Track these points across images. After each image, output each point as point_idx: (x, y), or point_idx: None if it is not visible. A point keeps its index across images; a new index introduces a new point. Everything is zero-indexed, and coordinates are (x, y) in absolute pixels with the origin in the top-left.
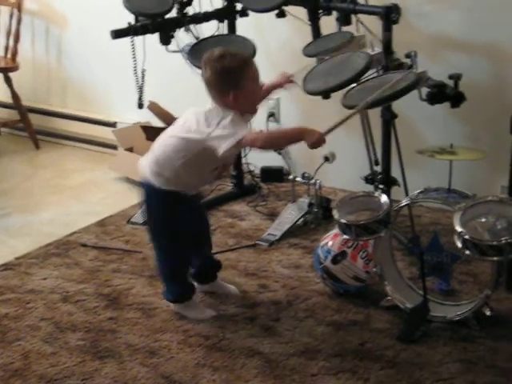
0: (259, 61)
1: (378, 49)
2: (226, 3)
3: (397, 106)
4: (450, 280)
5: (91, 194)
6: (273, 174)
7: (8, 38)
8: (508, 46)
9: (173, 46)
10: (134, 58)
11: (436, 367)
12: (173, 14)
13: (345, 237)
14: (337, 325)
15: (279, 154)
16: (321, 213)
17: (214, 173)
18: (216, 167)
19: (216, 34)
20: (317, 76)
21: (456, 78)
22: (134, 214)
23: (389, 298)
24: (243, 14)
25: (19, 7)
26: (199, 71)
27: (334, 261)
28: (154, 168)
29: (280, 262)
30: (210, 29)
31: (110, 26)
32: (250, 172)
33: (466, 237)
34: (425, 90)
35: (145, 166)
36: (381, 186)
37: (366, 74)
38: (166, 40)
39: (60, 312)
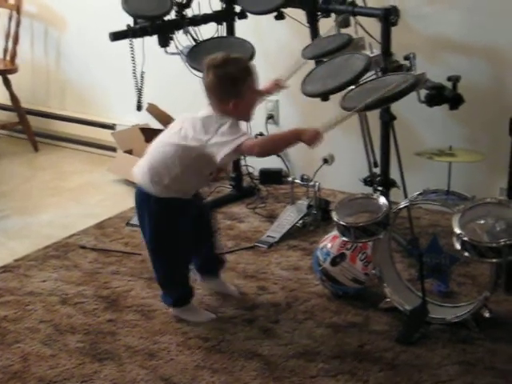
0: (258, 63)
1: (377, 51)
2: (224, 5)
3: (395, 107)
4: (448, 282)
5: (90, 196)
6: (272, 176)
7: (7, 41)
8: (507, 49)
9: (171, 48)
10: (133, 60)
11: (435, 369)
12: (171, 16)
13: (344, 239)
14: (336, 327)
15: (278, 156)
16: (320, 215)
17: (210, 177)
18: (212, 172)
19: (215, 36)
20: (315, 78)
21: (454, 80)
22: (133, 216)
23: (388, 299)
24: (242, 16)
25: (18, 9)
26: (198, 73)
27: (333, 263)
28: (151, 176)
29: (279, 263)
30: (208, 31)
31: (109, 28)
32: (249, 174)
33: (465, 238)
34: (423, 92)
35: (140, 174)
36: (380, 188)
37: (365, 76)
38: (164, 42)
39: (59, 314)
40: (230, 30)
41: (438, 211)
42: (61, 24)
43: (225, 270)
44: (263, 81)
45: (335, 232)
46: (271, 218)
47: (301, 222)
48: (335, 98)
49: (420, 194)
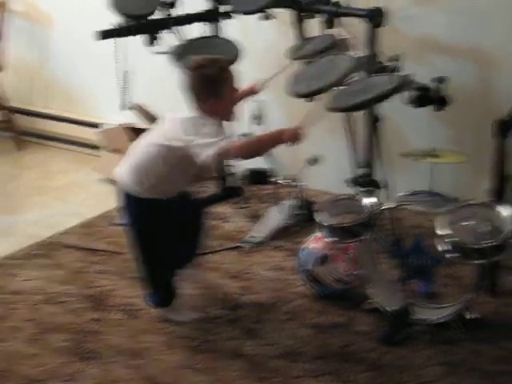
0: (245, 63)
1: (362, 52)
2: (210, 5)
3: (381, 109)
4: (432, 283)
5: (75, 196)
6: (257, 177)
7: None
8: (492, 51)
9: (158, 47)
10: (117, 59)
11: (418, 370)
12: (158, 15)
13: (328, 239)
14: (319, 327)
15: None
16: (304, 215)
17: (194, 177)
18: (195, 172)
19: (201, 35)
20: (300, 79)
21: (440, 81)
22: (118, 216)
23: (371, 300)
24: (227, 16)
25: (4, 8)
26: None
27: (317, 263)
28: (134, 176)
29: (263, 264)
30: (194, 30)
31: (95, 27)
32: (234, 174)
33: (449, 240)
34: (409, 94)
35: (123, 175)
36: (364, 189)
37: (350, 77)
38: (150, 41)
39: (43, 313)
40: (216, 29)
41: (423, 212)
42: (47, 22)
43: (207, 270)
44: (249, 80)
45: (319, 233)
46: (255, 218)
47: (285, 222)
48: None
49: (404, 195)
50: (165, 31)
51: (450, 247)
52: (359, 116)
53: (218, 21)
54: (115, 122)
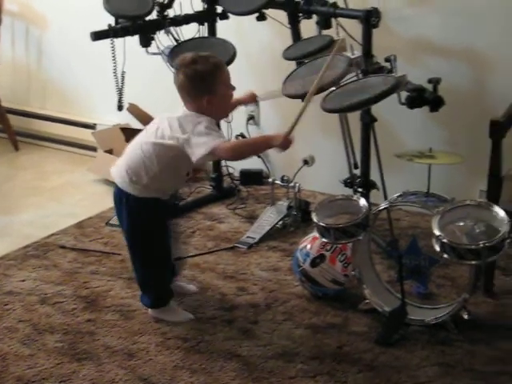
0: (240, 64)
1: (358, 52)
2: (206, 6)
3: (376, 109)
4: (428, 283)
5: (70, 196)
6: (252, 177)
7: None
8: (487, 51)
9: (153, 48)
10: (114, 60)
11: (414, 370)
12: (153, 16)
13: (323, 240)
14: (315, 328)
15: (259, 157)
16: (300, 216)
17: (187, 177)
18: (188, 172)
19: (196, 36)
20: (296, 79)
21: (435, 82)
22: (113, 216)
23: (367, 301)
24: (223, 16)
25: None
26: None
27: (313, 264)
28: (129, 176)
29: (259, 264)
30: (190, 31)
31: (90, 28)
32: (230, 175)
33: (444, 240)
34: (404, 94)
35: (118, 174)
36: (360, 190)
37: (346, 78)
38: (146, 42)
39: (38, 314)
40: (212, 30)
41: (418, 213)
42: (42, 23)
43: (203, 271)
44: (244, 80)
45: (315, 233)
46: (251, 218)
47: (281, 222)
48: (316, 99)
49: (400, 196)
50: (161, 32)
51: (445, 248)
52: (355, 116)
53: (215, 21)
54: (110, 123)
